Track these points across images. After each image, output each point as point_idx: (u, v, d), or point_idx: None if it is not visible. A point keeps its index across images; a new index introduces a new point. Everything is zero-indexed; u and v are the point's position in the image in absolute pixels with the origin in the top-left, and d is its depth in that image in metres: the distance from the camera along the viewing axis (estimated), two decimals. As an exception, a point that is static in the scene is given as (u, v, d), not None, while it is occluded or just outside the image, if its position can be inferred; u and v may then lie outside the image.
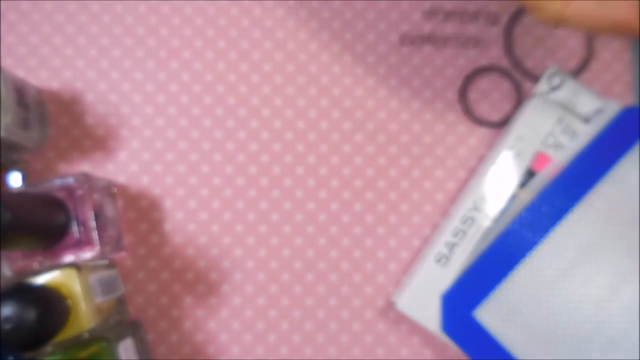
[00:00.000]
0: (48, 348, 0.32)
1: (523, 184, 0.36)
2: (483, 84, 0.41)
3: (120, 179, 0.40)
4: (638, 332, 0.33)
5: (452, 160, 0.40)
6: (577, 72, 0.40)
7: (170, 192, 0.40)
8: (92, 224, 0.33)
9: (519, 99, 0.40)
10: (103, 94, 0.40)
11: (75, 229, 0.33)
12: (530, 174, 0.36)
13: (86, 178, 0.34)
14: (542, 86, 0.39)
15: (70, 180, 0.34)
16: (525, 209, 0.35)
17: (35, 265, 0.33)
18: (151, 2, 0.41)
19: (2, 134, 0.33)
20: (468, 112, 0.40)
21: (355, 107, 0.41)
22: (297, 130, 0.40)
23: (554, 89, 0.39)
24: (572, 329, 0.34)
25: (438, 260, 0.36)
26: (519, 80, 0.40)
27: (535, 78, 0.40)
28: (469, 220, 0.36)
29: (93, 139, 0.40)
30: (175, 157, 0.40)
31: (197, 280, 0.39)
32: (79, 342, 0.32)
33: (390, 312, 0.39)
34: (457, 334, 0.35)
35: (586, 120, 0.37)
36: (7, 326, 0.28)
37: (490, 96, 0.41)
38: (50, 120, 0.40)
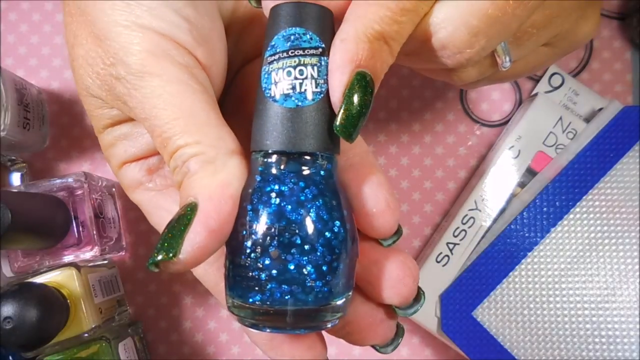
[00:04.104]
0: (48, 348, 0.32)
1: (523, 184, 0.36)
2: (483, 84, 0.41)
3: (121, 179, 0.40)
4: (638, 332, 0.33)
5: (452, 160, 0.40)
6: (577, 72, 0.40)
7: (170, 192, 0.40)
8: (92, 224, 0.33)
9: (519, 99, 0.40)
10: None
11: (75, 229, 0.33)
12: (530, 174, 0.36)
13: (86, 178, 0.34)
14: (543, 86, 0.39)
15: (70, 180, 0.34)
16: (526, 209, 0.35)
17: (35, 265, 0.33)
18: (151, 2, 0.41)
19: (2, 134, 0.33)
20: (468, 112, 0.40)
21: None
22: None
23: (554, 88, 0.39)
24: (572, 329, 0.34)
25: (439, 260, 0.36)
26: (519, 81, 0.40)
27: (535, 78, 0.40)
28: (469, 220, 0.36)
29: (93, 139, 0.40)
30: (175, 157, 0.40)
31: (197, 281, 0.39)
32: (79, 342, 0.32)
33: (390, 312, 0.39)
34: (456, 334, 0.35)
35: (586, 120, 0.36)
36: (8, 325, 0.28)
37: (490, 96, 0.41)
38: (50, 120, 0.40)
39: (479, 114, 0.40)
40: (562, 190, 0.35)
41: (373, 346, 0.24)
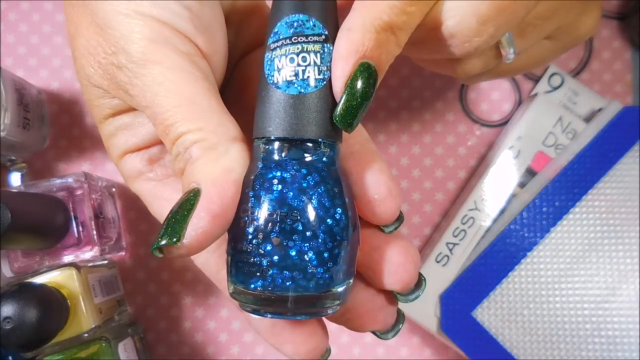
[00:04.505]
0: (48, 348, 0.32)
1: (523, 184, 0.36)
2: (483, 84, 0.41)
3: (120, 179, 0.40)
4: (638, 332, 0.33)
5: (452, 160, 0.40)
6: (577, 72, 0.40)
7: (170, 192, 0.40)
8: (92, 224, 0.33)
9: (519, 99, 0.40)
10: (103, 94, 0.40)
11: (75, 229, 0.33)
12: (530, 174, 0.36)
13: (86, 178, 0.34)
14: (542, 86, 0.39)
15: (70, 180, 0.34)
16: (525, 209, 0.35)
17: (35, 265, 0.33)
18: (151, 2, 0.41)
19: (2, 134, 0.33)
20: (468, 112, 0.40)
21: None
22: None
23: (554, 88, 0.39)
24: (572, 329, 0.34)
25: (438, 260, 0.36)
26: (519, 81, 0.40)
27: (535, 78, 0.40)
28: (469, 220, 0.36)
29: (93, 139, 0.40)
30: (175, 157, 0.40)
31: (197, 280, 0.39)
32: (79, 342, 0.32)
33: (390, 312, 0.39)
34: (456, 334, 0.35)
35: (586, 120, 0.36)
36: (8, 325, 0.28)
37: (490, 96, 0.41)
38: (50, 120, 0.40)
39: (479, 114, 0.40)
40: (561, 191, 0.35)
41: (374, 332, 0.24)
